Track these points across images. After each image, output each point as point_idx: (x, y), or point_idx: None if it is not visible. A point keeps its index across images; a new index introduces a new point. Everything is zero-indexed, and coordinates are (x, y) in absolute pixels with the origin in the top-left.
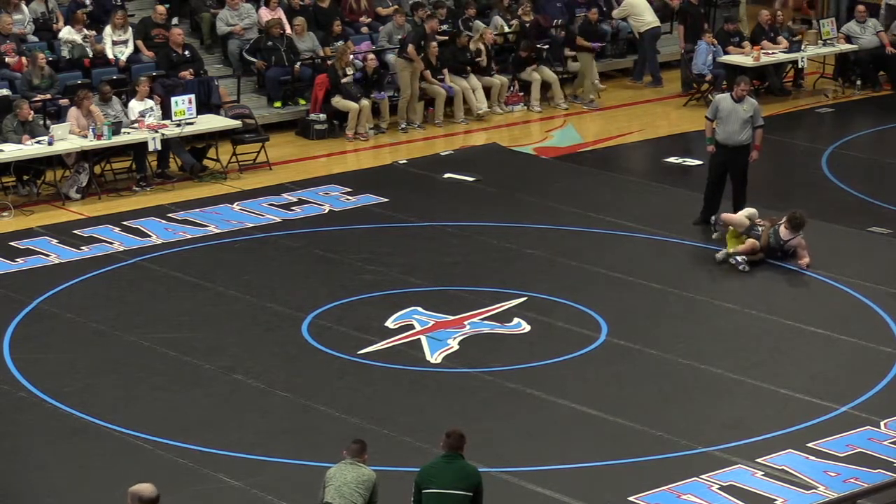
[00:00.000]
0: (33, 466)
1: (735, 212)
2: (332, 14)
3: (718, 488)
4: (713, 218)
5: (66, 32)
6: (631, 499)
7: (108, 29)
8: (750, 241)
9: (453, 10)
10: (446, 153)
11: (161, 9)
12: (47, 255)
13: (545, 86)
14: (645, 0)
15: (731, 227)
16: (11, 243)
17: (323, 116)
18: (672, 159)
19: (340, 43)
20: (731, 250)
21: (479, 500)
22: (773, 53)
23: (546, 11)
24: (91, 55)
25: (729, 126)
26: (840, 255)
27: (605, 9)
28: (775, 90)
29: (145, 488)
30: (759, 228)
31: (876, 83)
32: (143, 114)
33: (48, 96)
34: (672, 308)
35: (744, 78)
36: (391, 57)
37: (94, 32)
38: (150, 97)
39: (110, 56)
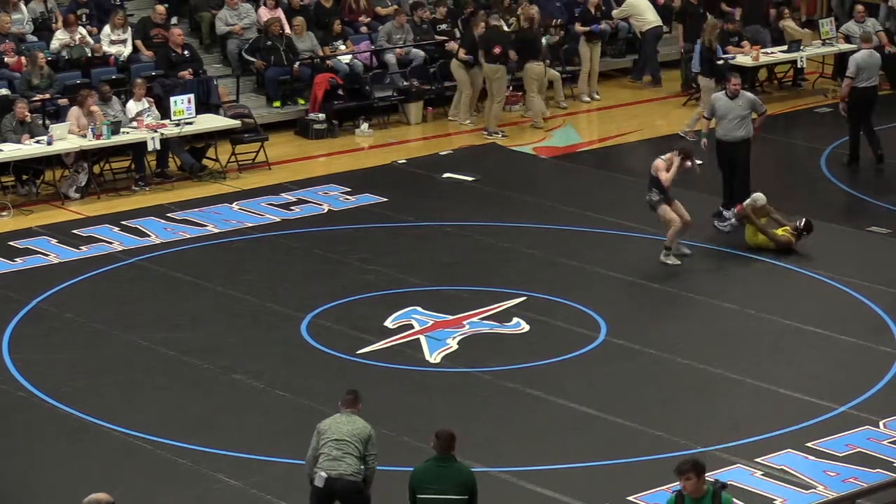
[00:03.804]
0: (33, 466)
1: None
2: (332, 14)
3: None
4: (724, 211)
5: (59, 35)
6: (630, 499)
7: (106, 28)
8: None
9: (453, 10)
10: (446, 153)
11: (160, 9)
12: (46, 255)
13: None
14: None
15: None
16: (11, 243)
17: (322, 116)
18: None
19: (712, 19)
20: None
21: (474, 501)
22: (772, 53)
23: (546, 10)
24: (90, 55)
25: (727, 123)
26: (840, 255)
27: (604, 8)
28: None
29: (102, 497)
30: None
31: None
32: (139, 114)
33: (47, 96)
34: (671, 308)
35: (733, 73)
36: (390, 57)
37: (86, 31)
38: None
39: (110, 51)
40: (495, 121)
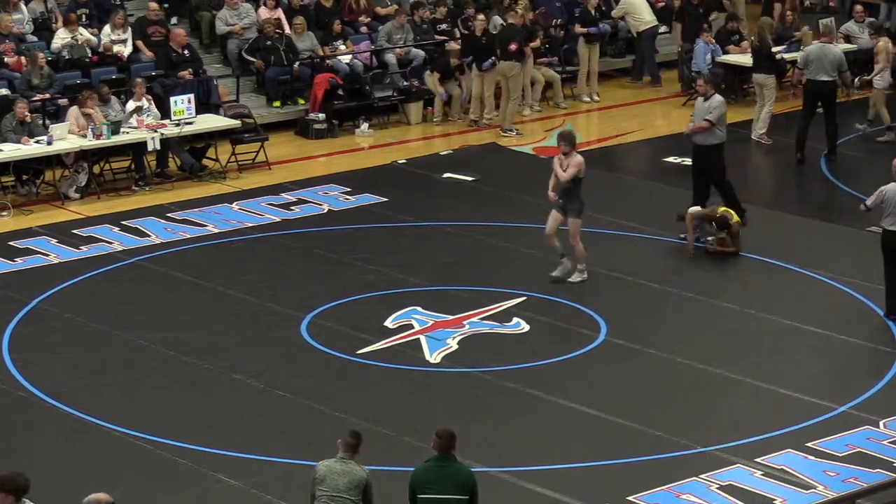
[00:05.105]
0: (33, 466)
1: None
2: (332, 14)
3: (717, 488)
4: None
5: (60, 35)
6: (630, 499)
7: (107, 28)
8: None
9: (453, 10)
10: (446, 153)
11: (153, 5)
12: (46, 255)
13: (546, 85)
14: None
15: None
16: (11, 243)
17: (322, 116)
18: (671, 159)
19: (766, 17)
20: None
21: (474, 501)
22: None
23: (546, 10)
24: (90, 54)
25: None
26: (840, 255)
27: (603, 8)
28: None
29: (102, 497)
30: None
31: None
32: (134, 111)
33: (47, 96)
34: (671, 308)
35: (702, 75)
36: (390, 57)
37: (89, 34)
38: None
39: (116, 50)
40: (510, 118)
